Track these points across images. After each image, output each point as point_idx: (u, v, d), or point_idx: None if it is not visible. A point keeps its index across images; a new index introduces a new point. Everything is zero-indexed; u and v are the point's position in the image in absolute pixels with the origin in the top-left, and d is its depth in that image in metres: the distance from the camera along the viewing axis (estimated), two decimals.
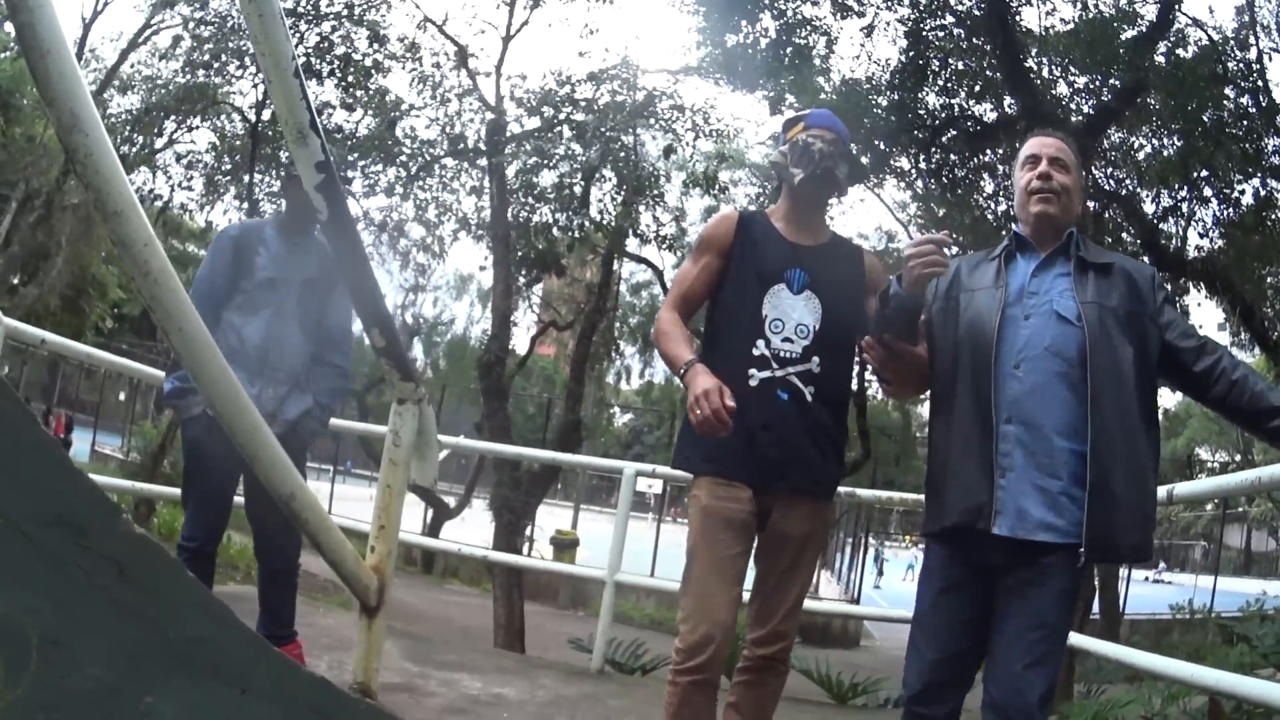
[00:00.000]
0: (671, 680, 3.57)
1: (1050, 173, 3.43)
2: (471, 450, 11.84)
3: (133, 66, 20.74)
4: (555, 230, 16.38)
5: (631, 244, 19.35)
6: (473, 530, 21.87)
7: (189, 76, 16.41)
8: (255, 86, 16.46)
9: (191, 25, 16.69)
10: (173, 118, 18.08)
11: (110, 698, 1.55)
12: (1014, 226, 3.59)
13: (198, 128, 18.71)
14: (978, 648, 3.30)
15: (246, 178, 16.42)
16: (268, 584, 4.77)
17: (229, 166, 17.31)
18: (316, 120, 2.14)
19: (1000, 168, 14.97)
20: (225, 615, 1.88)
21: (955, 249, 14.96)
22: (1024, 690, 3.12)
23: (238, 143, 17.58)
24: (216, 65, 16.28)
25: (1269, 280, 14.71)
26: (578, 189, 16.18)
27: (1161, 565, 36.13)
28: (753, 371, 3.63)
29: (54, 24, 1.53)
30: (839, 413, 3.83)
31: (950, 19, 14.15)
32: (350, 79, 15.35)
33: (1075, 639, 3.42)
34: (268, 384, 4.60)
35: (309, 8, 15.17)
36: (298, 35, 15.01)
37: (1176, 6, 13.69)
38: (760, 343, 3.64)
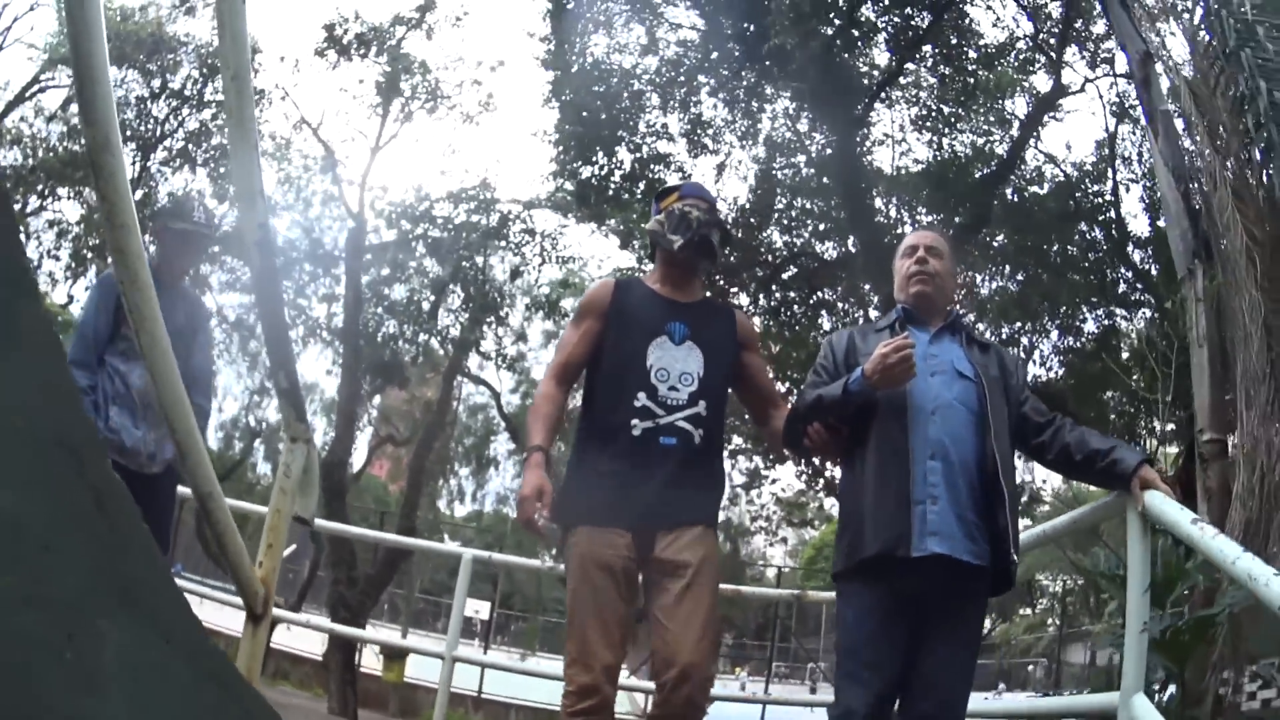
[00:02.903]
0: None
1: (927, 259, 4.00)
2: (321, 530, 11.73)
3: (20, 120, 20.20)
4: (402, 341, 16.66)
5: (472, 363, 19.69)
6: (303, 637, 21.57)
7: (71, 143, 16.20)
8: (134, 163, 16.36)
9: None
10: (50, 181, 17.76)
11: (74, 612, 1.65)
12: (900, 304, 4.08)
13: (73, 197, 18.37)
14: (904, 671, 3.61)
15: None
16: None
17: (97, 242, 17.08)
18: (263, 189, 2.55)
19: (840, 305, 15.44)
20: (164, 567, 2.14)
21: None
22: (957, 704, 3.55)
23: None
24: None
25: (1111, 404, 15.24)
26: (426, 304, 16.52)
27: (1001, 686, 36.78)
28: (635, 421, 3.78)
29: (104, 56, 1.88)
30: (719, 452, 4.05)
31: (802, 158, 14.83)
32: (222, 170, 15.47)
33: None
34: (150, 426, 4.79)
35: (194, 92, 15.34)
36: (179, 120, 15.11)
37: (1032, 142, 14.60)
38: (642, 394, 3.81)
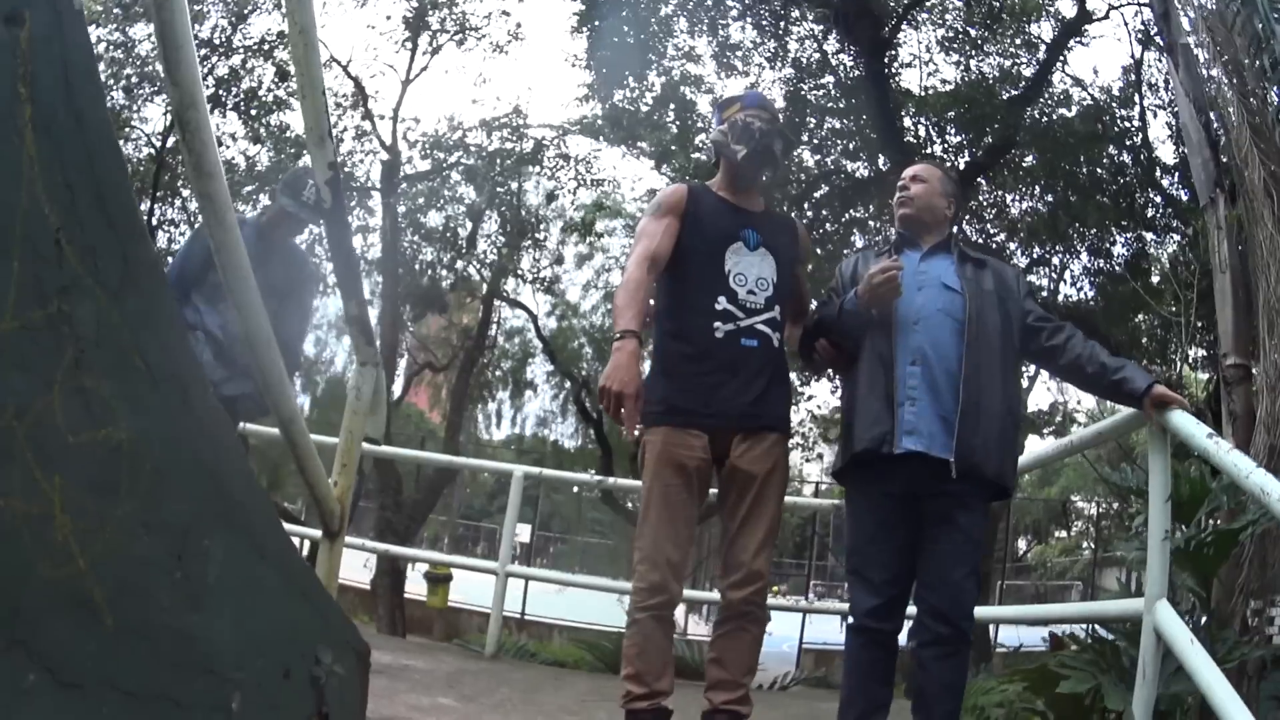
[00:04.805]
0: (632, 618, 3.84)
1: (907, 184, 4.26)
2: (370, 454, 11.87)
3: None
4: (441, 268, 16.76)
5: (509, 287, 19.83)
6: (349, 567, 22.12)
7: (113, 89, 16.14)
8: (165, 114, 16.29)
9: (108, 48, 16.50)
10: None
11: (184, 534, 1.87)
12: (896, 228, 4.36)
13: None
14: (911, 571, 3.87)
15: (145, 204, 16.35)
16: None
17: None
18: (332, 130, 2.69)
19: (871, 224, 15.39)
20: (259, 489, 2.27)
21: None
22: (963, 596, 3.77)
23: (140, 168, 17.25)
24: (131, 90, 16.10)
25: (1142, 327, 15.22)
26: (463, 230, 16.60)
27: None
28: (717, 324, 3.87)
29: (187, 24, 2.02)
30: (786, 357, 4.16)
31: (830, 79, 14.73)
32: (254, 112, 15.52)
33: None
34: (221, 364, 5.01)
35: (222, 40, 15.34)
36: (208, 66, 15.13)
37: (1059, 66, 14.42)
38: (722, 298, 3.90)
